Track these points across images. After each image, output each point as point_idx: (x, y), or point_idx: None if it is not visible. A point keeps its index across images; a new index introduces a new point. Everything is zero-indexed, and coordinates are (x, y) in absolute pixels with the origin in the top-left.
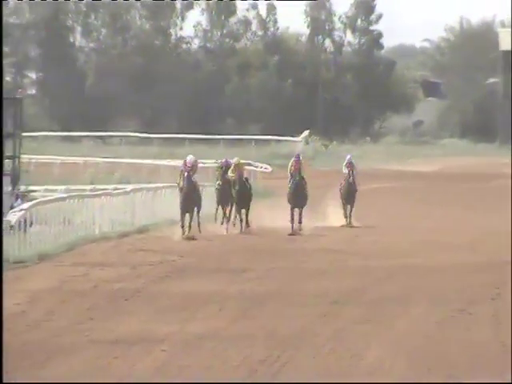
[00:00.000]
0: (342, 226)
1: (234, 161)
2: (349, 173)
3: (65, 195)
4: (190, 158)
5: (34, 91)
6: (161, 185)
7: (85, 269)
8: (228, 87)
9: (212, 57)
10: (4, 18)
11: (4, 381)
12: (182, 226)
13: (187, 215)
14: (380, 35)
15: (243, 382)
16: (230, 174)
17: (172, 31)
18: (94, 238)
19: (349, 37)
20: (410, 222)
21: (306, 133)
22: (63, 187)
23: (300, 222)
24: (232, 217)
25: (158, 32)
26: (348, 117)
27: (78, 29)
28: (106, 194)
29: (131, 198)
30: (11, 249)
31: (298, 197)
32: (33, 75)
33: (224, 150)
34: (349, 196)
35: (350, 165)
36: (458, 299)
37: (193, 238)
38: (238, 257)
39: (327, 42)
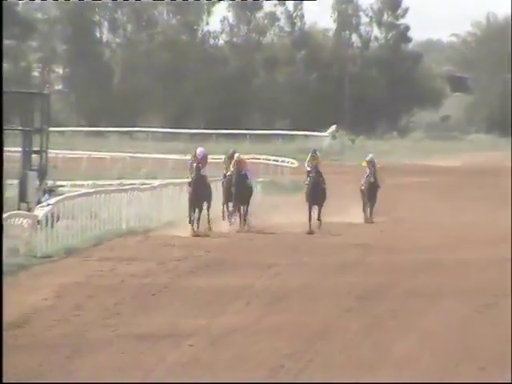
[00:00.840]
0: (363, 222)
1: (235, 156)
2: (370, 171)
3: (92, 190)
4: (200, 150)
5: (60, 86)
6: (187, 180)
7: (112, 264)
8: (255, 82)
9: (238, 52)
10: (31, 14)
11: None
12: (190, 222)
13: (196, 211)
14: (407, 29)
15: (270, 376)
16: (230, 169)
17: (199, 26)
18: (120, 232)
19: (376, 31)
20: (437, 216)
21: (333, 128)
22: (90, 182)
23: (319, 219)
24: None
25: (184, 27)
26: (375, 111)
27: (105, 24)
28: (132, 189)
29: (158, 193)
30: (38, 243)
31: (316, 194)
32: (60, 70)
33: (251, 145)
34: (370, 194)
35: (371, 163)
36: (485, 294)
37: (205, 235)
38: (264, 252)
39: (354, 37)
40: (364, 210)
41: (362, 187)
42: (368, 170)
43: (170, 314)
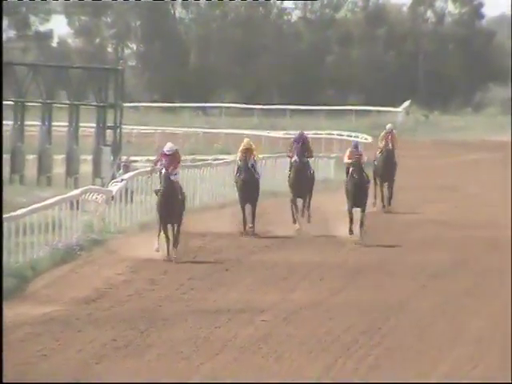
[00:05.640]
0: (375, 211)
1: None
2: (386, 145)
3: None
4: (169, 147)
5: (134, 62)
6: (261, 156)
7: (185, 239)
8: (329, 58)
9: (312, 28)
10: None
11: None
12: (158, 239)
13: (247, 207)
14: (481, 5)
15: (343, 352)
16: (237, 159)
17: (272, 2)
18: (194, 208)
19: (450, 7)
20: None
21: (407, 103)
22: None
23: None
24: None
25: (258, 4)
26: (449, 87)
27: (178, 0)
28: (206, 165)
29: (231, 168)
30: (113, 219)
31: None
32: (134, 46)
33: (325, 121)
34: (385, 172)
35: (390, 136)
36: None
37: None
38: (340, 229)
39: (429, 13)
40: (380, 193)
41: (376, 165)
42: (383, 143)
43: (243, 290)
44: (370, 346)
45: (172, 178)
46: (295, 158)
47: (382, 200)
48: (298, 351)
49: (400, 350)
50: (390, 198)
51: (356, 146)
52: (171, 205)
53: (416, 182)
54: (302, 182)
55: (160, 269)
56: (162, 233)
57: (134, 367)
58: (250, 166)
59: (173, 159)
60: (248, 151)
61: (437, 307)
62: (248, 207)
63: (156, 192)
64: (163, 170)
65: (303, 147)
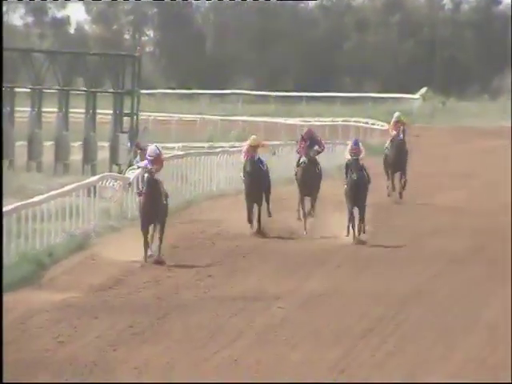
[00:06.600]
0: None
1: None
2: (397, 134)
3: (182, 153)
4: (152, 149)
5: (151, 49)
6: (277, 142)
7: (202, 226)
8: (345, 45)
9: (329, 14)
10: None
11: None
12: (145, 248)
13: (255, 206)
14: None
15: (357, 340)
16: (242, 156)
17: None
18: (211, 195)
19: None
20: None
21: (424, 90)
22: (181, 145)
23: (403, 188)
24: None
25: None
26: (466, 74)
27: None
28: (223, 152)
29: None
30: (130, 206)
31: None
32: (151, 33)
33: (341, 108)
34: (396, 162)
35: (399, 124)
36: None
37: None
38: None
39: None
40: (391, 184)
41: (386, 151)
42: (394, 132)
43: (259, 277)
44: (386, 334)
45: (156, 178)
46: (303, 159)
47: (394, 189)
48: (315, 338)
49: (416, 338)
50: (403, 188)
51: (356, 142)
52: (154, 208)
53: (432, 169)
54: (311, 180)
55: (177, 256)
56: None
57: (151, 354)
58: (257, 165)
59: (156, 162)
60: (255, 149)
61: (452, 294)
62: (255, 206)
63: (139, 193)
64: (146, 174)
65: (311, 145)
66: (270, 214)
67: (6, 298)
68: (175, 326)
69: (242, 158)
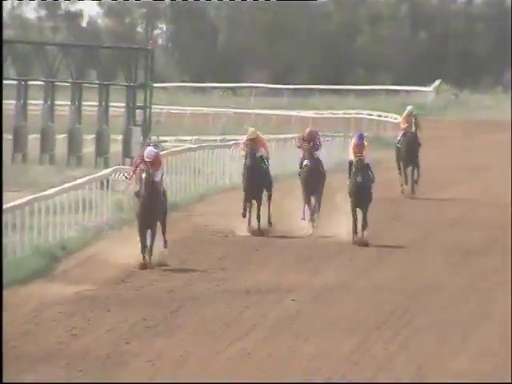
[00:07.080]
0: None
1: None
2: (409, 126)
3: (195, 146)
4: (149, 151)
5: (164, 42)
6: (290, 135)
7: (215, 218)
8: (358, 38)
9: (342, 8)
10: None
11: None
12: (143, 251)
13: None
14: None
15: (371, 332)
16: (241, 151)
17: None
18: (224, 188)
19: None
20: None
21: (437, 83)
22: (194, 138)
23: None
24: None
25: None
26: (479, 67)
27: None
28: (235, 145)
29: None
30: None
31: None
32: (163, 27)
33: (354, 101)
34: (408, 156)
35: (412, 117)
36: None
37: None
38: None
39: None
40: (404, 178)
41: (398, 145)
42: (405, 125)
43: (272, 270)
44: (399, 326)
45: (155, 180)
46: (306, 161)
47: (406, 183)
48: (328, 331)
49: (429, 329)
50: (416, 182)
51: (361, 137)
52: (152, 212)
53: (446, 162)
54: (314, 181)
55: (190, 248)
56: (150, 237)
57: (164, 347)
58: (258, 161)
59: (153, 163)
60: (254, 142)
61: (467, 286)
62: (254, 203)
63: (136, 195)
64: (143, 175)
65: (314, 146)
66: (270, 224)
67: (19, 291)
68: (188, 318)
69: (241, 152)
